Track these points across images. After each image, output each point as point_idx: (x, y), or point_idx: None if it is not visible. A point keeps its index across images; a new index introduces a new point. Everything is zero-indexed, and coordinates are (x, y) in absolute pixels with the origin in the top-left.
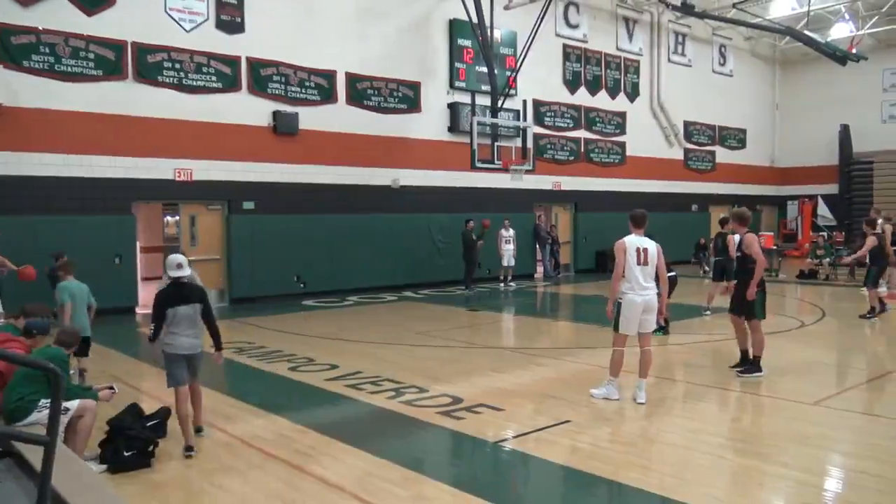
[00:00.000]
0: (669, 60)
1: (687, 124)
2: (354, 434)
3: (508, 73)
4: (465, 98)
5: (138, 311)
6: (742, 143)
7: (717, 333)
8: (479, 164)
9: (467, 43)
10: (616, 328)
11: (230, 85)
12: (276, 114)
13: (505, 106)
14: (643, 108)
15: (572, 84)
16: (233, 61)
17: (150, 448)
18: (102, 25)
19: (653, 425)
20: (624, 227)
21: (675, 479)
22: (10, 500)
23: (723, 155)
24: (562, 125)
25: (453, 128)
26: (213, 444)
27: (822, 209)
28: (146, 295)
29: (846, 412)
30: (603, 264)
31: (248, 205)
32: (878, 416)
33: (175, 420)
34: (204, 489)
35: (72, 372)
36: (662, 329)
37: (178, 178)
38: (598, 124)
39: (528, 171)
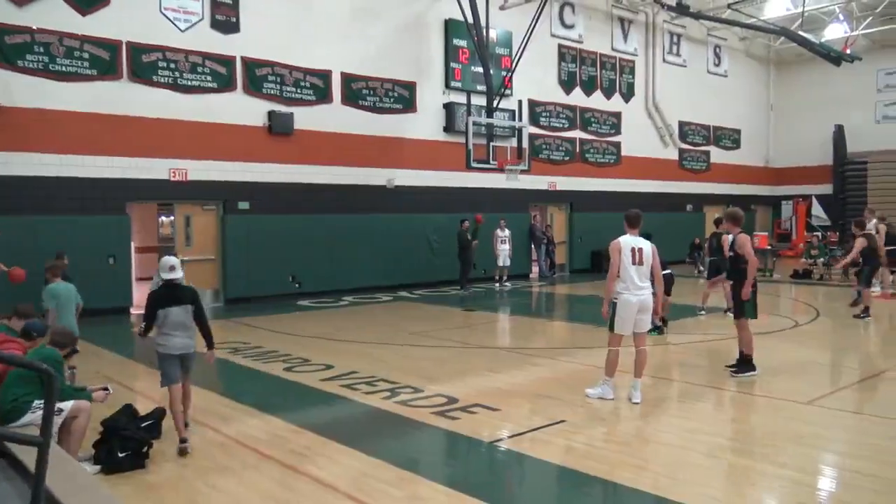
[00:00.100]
0: (664, 61)
1: (682, 124)
2: (349, 434)
3: (504, 74)
4: (460, 98)
5: (132, 311)
6: (737, 144)
7: (712, 333)
8: (474, 165)
9: (463, 43)
10: (611, 328)
11: (225, 85)
12: (271, 114)
13: (500, 106)
14: (638, 108)
15: (568, 84)
16: (228, 61)
17: (145, 449)
18: (97, 25)
19: (648, 425)
20: (619, 227)
21: (670, 479)
22: (4, 502)
23: (717, 155)
24: (557, 125)
25: (449, 128)
26: (208, 444)
27: (817, 209)
28: (140, 295)
29: (840, 412)
30: (598, 264)
31: (244, 205)
32: (871, 415)
33: (169, 419)
34: (199, 489)
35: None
36: (658, 329)
37: (173, 178)
38: (593, 124)
39: (523, 172)
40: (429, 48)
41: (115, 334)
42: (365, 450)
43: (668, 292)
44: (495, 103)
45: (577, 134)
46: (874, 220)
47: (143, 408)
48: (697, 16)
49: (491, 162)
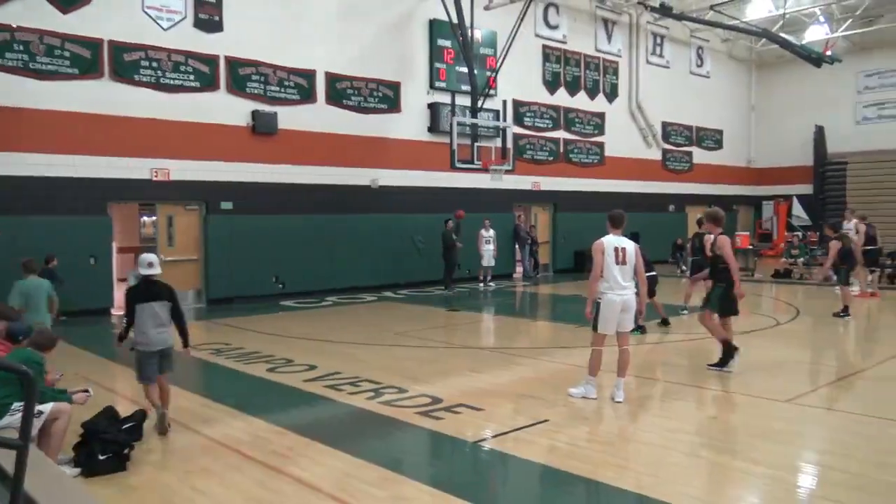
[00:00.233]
0: (648, 62)
1: (665, 125)
2: (333, 435)
3: (488, 74)
4: (445, 98)
5: (113, 311)
6: (719, 144)
7: (694, 333)
8: (458, 165)
9: (447, 43)
10: (595, 328)
11: (208, 84)
12: (254, 113)
13: (485, 106)
14: (622, 108)
15: (552, 84)
16: (211, 60)
17: (126, 451)
18: (78, 23)
19: (630, 424)
20: (602, 227)
21: (652, 478)
22: None
23: (700, 155)
24: (541, 125)
25: (433, 128)
26: (190, 445)
27: (797, 209)
28: (122, 296)
29: (818, 409)
30: (581, 264)
31: (227, 205)
32: (849, 412)
33: (151, 421)
34: (180, 492)
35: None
36: (640, 329)
37: (154, 178)
38: (577, 125)
39: (507, 172)
40: (413, 48)
41: (95, 335)
42: (348, 450)
43: (652, 293)
44: (480, 103)
45: (561, 134)
46: (854, 220)
47: (124, 409)
48: (680, 17)
49: (475, 162)
